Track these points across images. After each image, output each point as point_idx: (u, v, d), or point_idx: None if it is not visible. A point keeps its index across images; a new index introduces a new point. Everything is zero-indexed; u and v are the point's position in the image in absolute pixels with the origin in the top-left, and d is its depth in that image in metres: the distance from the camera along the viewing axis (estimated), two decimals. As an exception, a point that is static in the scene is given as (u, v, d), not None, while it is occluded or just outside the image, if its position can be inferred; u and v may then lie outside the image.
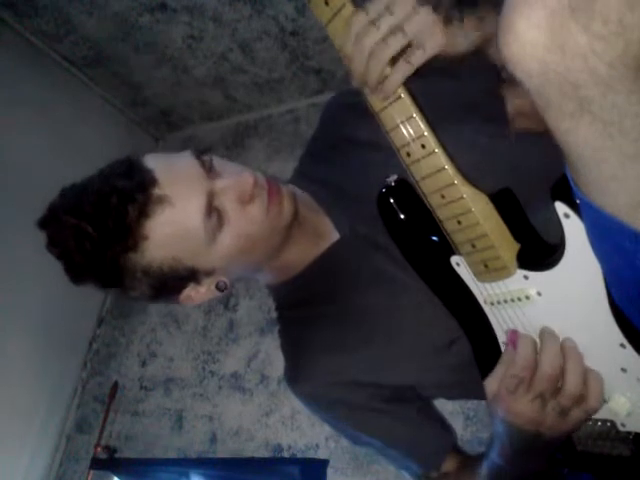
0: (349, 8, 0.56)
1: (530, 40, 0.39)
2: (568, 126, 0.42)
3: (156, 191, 0.70)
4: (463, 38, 0.58)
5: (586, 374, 0.63)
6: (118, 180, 0.70)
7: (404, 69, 0.57)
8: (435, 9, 0.55)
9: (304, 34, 2.34)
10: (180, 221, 0.71)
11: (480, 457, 0.83)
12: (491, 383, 0.67)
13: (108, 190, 0.69)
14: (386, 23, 0.55)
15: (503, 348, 0.70)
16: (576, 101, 0.40)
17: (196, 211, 0.71)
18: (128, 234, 0.70)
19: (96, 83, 2.75)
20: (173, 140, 3.12)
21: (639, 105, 0.39)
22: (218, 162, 0.77)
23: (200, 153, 0.76)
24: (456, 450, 0.87)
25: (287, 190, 0.79)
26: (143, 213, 0.69)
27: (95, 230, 0.69)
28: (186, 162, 0.74)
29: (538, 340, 0.66)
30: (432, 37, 0.56)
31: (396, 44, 0.56)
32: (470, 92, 0.69)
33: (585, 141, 0.42)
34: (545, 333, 0.65)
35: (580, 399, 0.63)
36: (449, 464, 0.85)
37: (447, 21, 0.56)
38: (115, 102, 2.87)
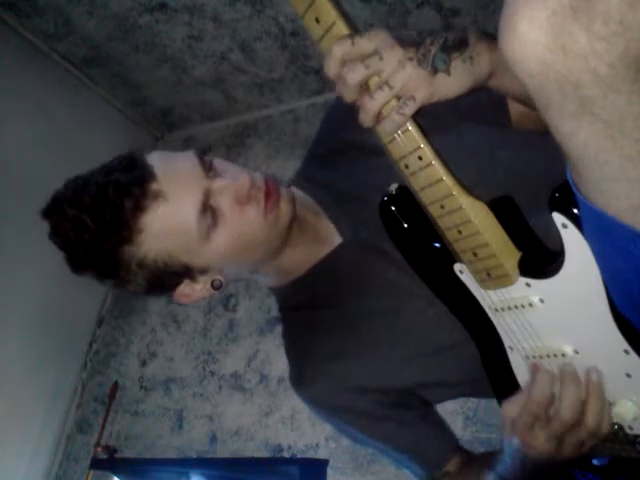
0: (339, 26, 0.57)
1: (531, 40, 0.39)
2: (569, 127, 0.42)
3: (153, 186, 0.71)
4: (452, 85, 0.60)
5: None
6: (117, 174, 0.72)
7: (397, 120, 0.59)
8: (420, 63, 0.57)
9: (304, 34, 2.33)
10: (174, 217, 0.72)
11: (481, 458, 0.83)
12: (509, 409, 0.67)
13: (106, 183, 0.71)
14: (375, 64, 0.57)
15: (509, 353, 0.71)
16: (577, 101, 0.40)
17: (191, 208, 0.72)
18: (123, 227, 0.71)
19: (96, 83, 2.75)
20: (173, 140, 3.11)
21: None
22: (219, 163, 0.78)
23: (202, 153, 0.77)
24: (457, 449, 0.87)
25: (286, 192, 0.80)
26: (138, 207, 0.71)
27: (93, 222, 0.71)
28: (186, 160, 0.76)
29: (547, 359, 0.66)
30: (419, 90, 0.58)
31: (382, 98, 0.58)
32: (471, 95, 0.70)
33: (586, 142, 0.42)
34: (565, 375, 0.64)
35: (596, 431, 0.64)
36: (450, 464, 0.85)
37: (434, 71, 0.58)
38: (115, 102, 2.87)
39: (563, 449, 0.65)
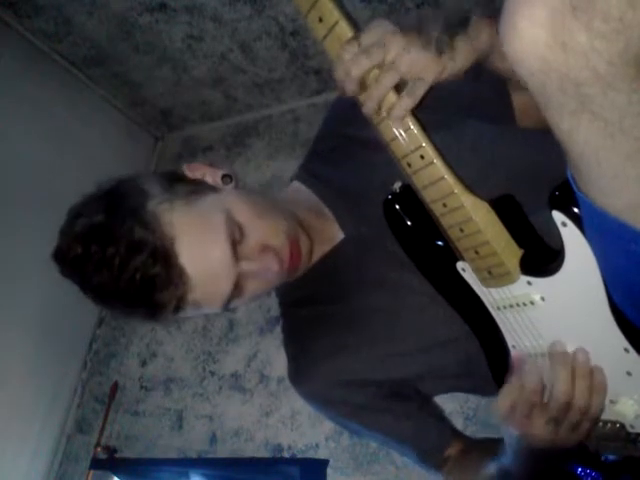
0: (342, 26, 0.58)
1: (532, 38, 0.40)
2: (569, 125, 0.42)
3: (189, 297, 0.73)
4: (457, 62, 0.61)
5: (592, 384, 0.64)
6: (154, 268, 0.70)
7: (408, 102, 0.59)
8: (424, 47, 0.58)
9: (304, 34, 2.33)
10: (205, 309, 0.77)
11: (481, 445, 0.85)
12: (502, 402, 0.67)
13: (141, 297, 0.71)
14: (378, 54, 0.57)
15: (511, 351, 0.71)
16: (577, 99, 0.40)
17: (220, 302, 0.76)
18: (157, 315, 0.74)
19: (96, 83, 2.75)
20: (173, 140, 3.11)
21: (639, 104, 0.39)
22: (246, 220, 0.75)
23: (233, 224, 0.74)
24: (456, 435, 0.88)
25: (305, 244, 0.80)
26: (175, 311, 0.74)
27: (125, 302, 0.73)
28: (218, 249, 0.73)
29: (547, 352, 0.66)
30: (427, 70, 0.59)
31: (389, 81, 0.59)
32: (473, 90, 0.70)
33: (586, 140, 0.42)
34: (555, 356, 0.65)
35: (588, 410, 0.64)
36: (450, 449, 0.86)
37: (439, 53, 0.59)
38: (115, 102, 2.86)
39: (561, 434, 0.66)
